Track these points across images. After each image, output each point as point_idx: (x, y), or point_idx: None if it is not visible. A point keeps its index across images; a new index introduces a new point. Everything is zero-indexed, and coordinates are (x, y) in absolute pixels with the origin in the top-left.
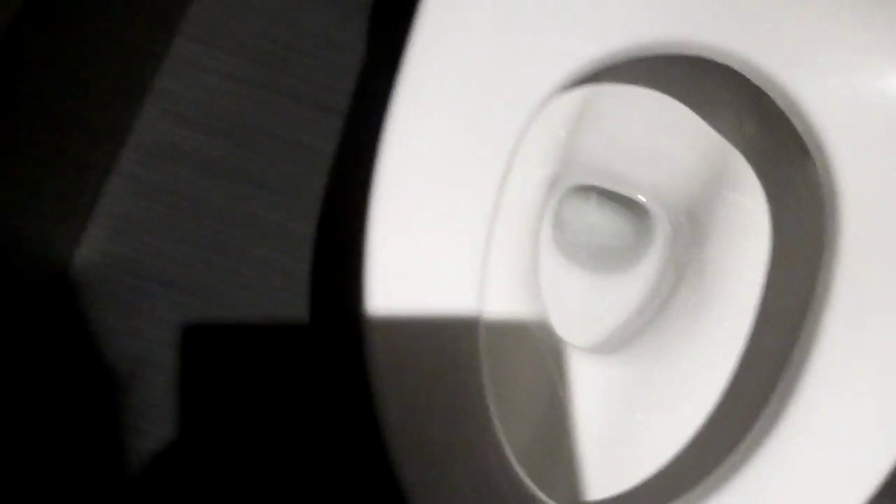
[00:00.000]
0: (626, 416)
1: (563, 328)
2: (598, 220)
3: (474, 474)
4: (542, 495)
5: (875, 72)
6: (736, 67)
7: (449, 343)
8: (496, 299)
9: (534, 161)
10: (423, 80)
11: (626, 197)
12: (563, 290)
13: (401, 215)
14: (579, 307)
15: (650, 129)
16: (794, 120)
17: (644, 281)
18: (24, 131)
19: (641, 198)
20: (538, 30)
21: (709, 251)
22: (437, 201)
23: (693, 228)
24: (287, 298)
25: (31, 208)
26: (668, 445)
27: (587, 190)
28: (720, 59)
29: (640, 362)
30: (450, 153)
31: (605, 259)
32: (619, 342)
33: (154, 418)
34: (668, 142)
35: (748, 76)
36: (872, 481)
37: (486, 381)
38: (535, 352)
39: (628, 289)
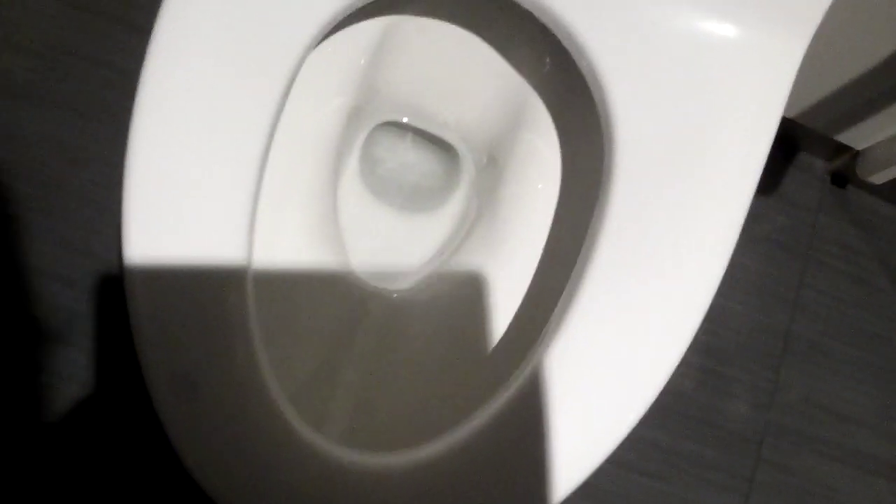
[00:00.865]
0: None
1: (365, 266)
2: (412, 159)
3: (233, 410)
4: (306, 429)
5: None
6: (524, 5)
7: (212, 291)
8: (285, 239)
9: (331, 91)
10: (183, 16)
11: (436, 136)
12: (368, 228)
13: (158, 161)
14: (384, 246)
15: (453, 65)
16: (576, 58)
17: (450, 220)
18: None
19: (449, 136)
20: None
21: (503, 191)
22: (199, 143)
23: (493, 168)
24: None
25: None
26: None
27: (402, 128)
28: None
29: (436, 300)
30: (212, 92)
31: (416, 198)
32: (420, 281)
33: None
34: (471, 80)
35: (536, 14)
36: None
37: (253, 326)
38: (329, 292)
39: (434, 228)
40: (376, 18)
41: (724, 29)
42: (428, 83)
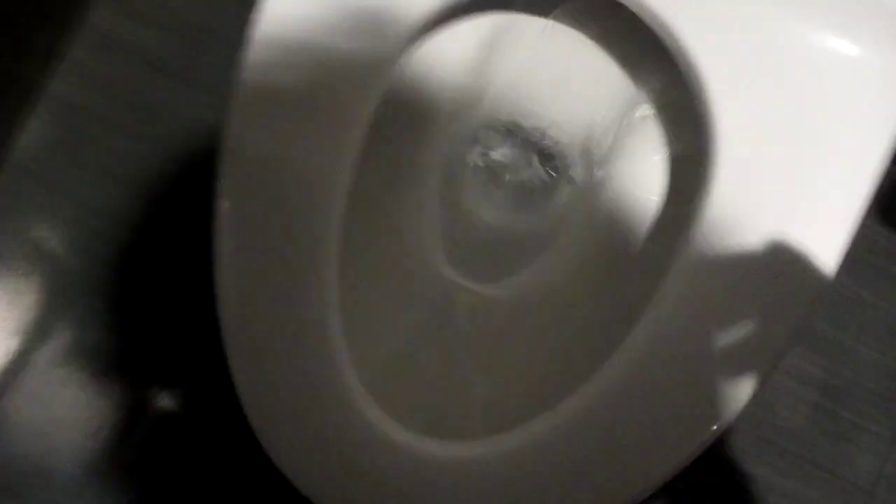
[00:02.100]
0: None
1: (456, 262)
2: (517, 161)
3: (312, 402)
4: (387, 422)
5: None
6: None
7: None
8: (378, 230)
9: (437, 86)
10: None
11: (544, 141)
12: (464, 225)
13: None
14: (477, 244)
15: (568, 70)
16: (687, 80)
17: (546, 224)
18: None
19: (557, 141)
20: None
21: (603, 201)
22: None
23: (596, 178)
24: None
25: None
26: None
27: (509, 129)
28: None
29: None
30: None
31: (517, 200)
32: (511, 280)
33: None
34: (584, 85)
35: (647, 23)
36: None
37: (332, 319)
38: (418, 286)
39: (530, 231)
40: (490, 14)
41: (842, 45)
42: (540, 86)
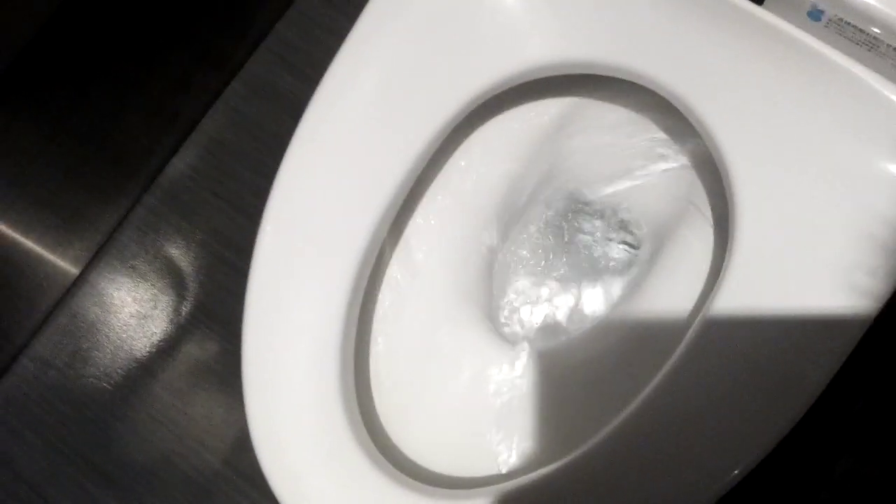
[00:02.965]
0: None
1: (507, 322)
2: (582, 232)
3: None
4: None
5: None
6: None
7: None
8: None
9: (505, 156)
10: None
11: (613, 217)
12: (517, 287)
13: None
14: (528, 306)
15: (634, 150)
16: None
17: (599, 296)
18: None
19: (638, 226)
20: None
21: (652, 279)
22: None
23: (649, 255)
24: None
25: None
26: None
27: (579, 202)
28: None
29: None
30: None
31: (576, 269)
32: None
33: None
34: (648, 167)
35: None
36: None
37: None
38: (467, 344)
39: (582, 299)
40: (563, 98)
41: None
42: (603, 163)
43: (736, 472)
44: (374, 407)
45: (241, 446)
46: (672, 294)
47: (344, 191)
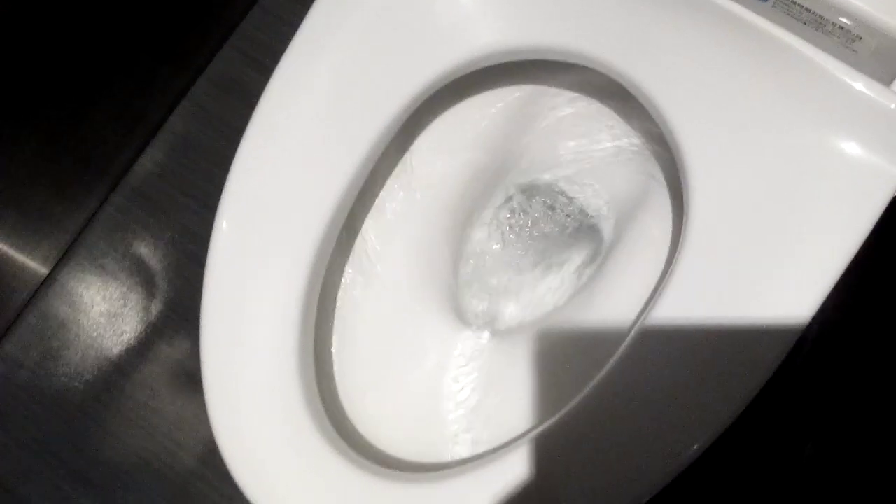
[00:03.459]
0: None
1: (468, 309)
2: (541, 219)
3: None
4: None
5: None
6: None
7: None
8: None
9: (465, 146)
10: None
11: (570, 203)
12: (481, 274)
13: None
14: (491, 293)
15: (593, 135)
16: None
17: (559, 281)
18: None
19: (583, 204)
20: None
21: (612, 264)
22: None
23: (610, 240)
24: None
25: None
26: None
27: (538, 189)
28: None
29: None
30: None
31: (537, 255)
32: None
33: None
34: (607, 150)
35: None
36: None
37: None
38: (427, 330)
39: (543, 284)
40: (521, 86)
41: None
42: (565, 152)
43: (691, 451)
44: (336, 394)
45: (215, 443)
46: (631, 279)
47: (298, 183)
